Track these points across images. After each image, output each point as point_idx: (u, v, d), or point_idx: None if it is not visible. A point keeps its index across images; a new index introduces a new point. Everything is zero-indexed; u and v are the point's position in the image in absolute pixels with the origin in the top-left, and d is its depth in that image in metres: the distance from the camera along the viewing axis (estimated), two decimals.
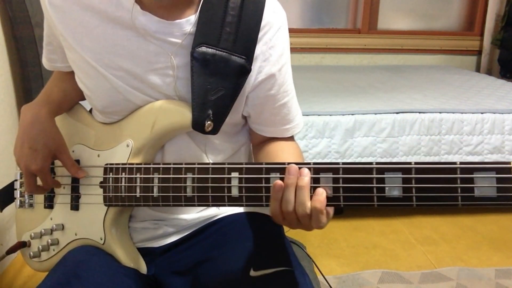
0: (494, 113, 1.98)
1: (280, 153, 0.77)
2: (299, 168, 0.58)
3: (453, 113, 1.97)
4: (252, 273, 0.68)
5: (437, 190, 0.52)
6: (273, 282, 0.67)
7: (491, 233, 1.92)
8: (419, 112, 1.95)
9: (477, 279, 1.58)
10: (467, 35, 3.36)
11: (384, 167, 0.54)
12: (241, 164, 0.62)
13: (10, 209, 0.91)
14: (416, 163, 0.53)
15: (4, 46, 1.65)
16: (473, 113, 1.97)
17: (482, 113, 1.98)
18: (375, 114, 1.92)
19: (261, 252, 0.73)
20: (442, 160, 1.99)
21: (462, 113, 1.97)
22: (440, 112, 1.96)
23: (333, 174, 0.57)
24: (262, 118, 0.78)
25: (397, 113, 1.93)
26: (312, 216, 0.57)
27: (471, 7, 3.37)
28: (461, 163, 0.51)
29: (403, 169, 0.54)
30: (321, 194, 0.57)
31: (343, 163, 0.57)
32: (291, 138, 0.82)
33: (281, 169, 0.60)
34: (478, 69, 3.36)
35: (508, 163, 0.50)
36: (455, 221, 2.00)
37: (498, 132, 1.98)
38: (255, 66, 0.71)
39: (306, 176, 0.57)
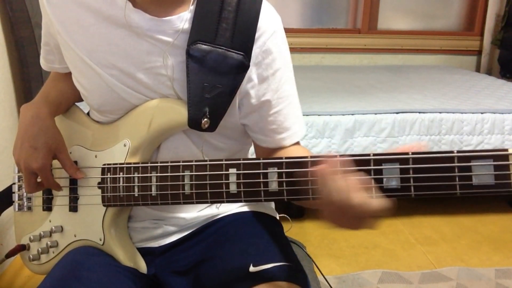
0: (494, 113, 1.98)
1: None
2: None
3: (453, 113, 1.96)
4: (252, 268, 0.68)
5: (435, 179, 0.52)
6: (272, 276, 0.67)
7: (491, 233, 1.92)
8: (419, 112, 1.94)
9: (477, 279, 1.58)
10: (467, 35, 3.36)
11: (381, 158, 0.54)
12: (239, 160, 0.62)
13: (11, 209, 0.91)
14: (413, 153, 0.53)
15: (4, 46, 1.65)
16: (473, 113, 1.97)
17: (482, 113, 1.98)
18: (375, 114, 1.92)
19: (260, 249, 0.73)
20: None
21: (462, 113, 1.97)
22: (440, 112, 1.96)
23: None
24: (259, 126, 0.75)
25: (397, 113, 1.93)
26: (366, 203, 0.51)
27: (471, 7, 3.36)
28: (458, 151, 0.51)
29: (401, 159, 0.53)
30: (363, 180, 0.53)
31: (341, 155, 0.56)
32: (296, 144, 0.78)
33: (279, 164, 0.59)
34: (478, 69, 3.35)
35: (505, 150, 0.49)
36: (455, 221, 2.00)
37: (498, 132, 1.98)
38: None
39: (349, 164, 0.53)
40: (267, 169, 0.60)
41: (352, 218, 0.53)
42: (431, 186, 0.52)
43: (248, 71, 0.70)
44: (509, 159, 0.49)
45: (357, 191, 0.51)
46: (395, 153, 0.54)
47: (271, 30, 0.70)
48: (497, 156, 0.50)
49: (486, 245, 1.83)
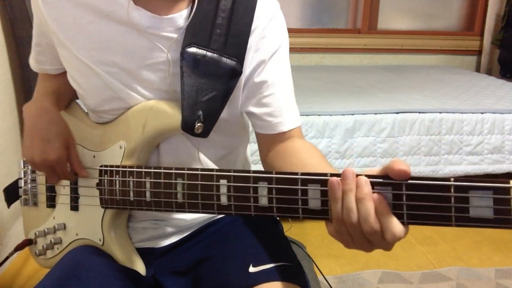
0: (494, 113, 1.98)
1: (301, 154, 0.72)
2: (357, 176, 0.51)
3: (453, 113, 1.97)
4: (251, 269, 0.68)
5: (429, 209, 0.49)
6: (271, 277, 0.67)
7: (491, 233, 1.92)
8: (419, 112, 1.95)
9: (477, 279, 1.58)
10: (467, 35, 3.36)
11: (374, 181, 0.51)
12: (229, 171, 0.61)
13: (10, 210, 0.91)
14: (407, 179, 0.50)
15: (4, 46, 1.65)
16: (473, 113, 1.97)
17: (482, 113, 1.98)
18: (375, 114, 1.92)
19: (260, 249, 0.73)
20: (442, 160, 1.99)
21: (462, 113, 1.97)
22: (440, 112, 1.96)
23: (321, 186, 0.55)
24: (256, 110, 0.75)
25: (397, 113, 1.93)
26: (384, 230, 0.49)
27: (471, 7, 3.37)
28: (455, 179, 0.48)
29: (394, 184, 0.50)
30: (383, 201, 0.50)
31: (332, 175, 0.54)
32: (298, 136, 0.77)
33: (269, 179, 0.58)
34: (478, 69, 3.36)
35: (507, 182, 0.46)
36: None
37: (498, 132, 1.98)
38: (247, 58, 0.70)
39: (366, 185, 0.50)
40: (257, 184, 0.59)
41: (363, 242, 0.51)
42: (424, 215, 0.50)
43: (250, 56, 0.70)
44: (510, 193, 0.46)
45: (370, 216, 0.49)
46: (388, 177, 0.51)
47: (268, 18, 0.71)
48: (498, 189, 0.46)
49: (486, 245, 1.83)
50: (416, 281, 1.57)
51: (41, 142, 0.71)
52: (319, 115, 1.89)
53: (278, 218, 0.89)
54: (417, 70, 3.01)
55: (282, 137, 0.76)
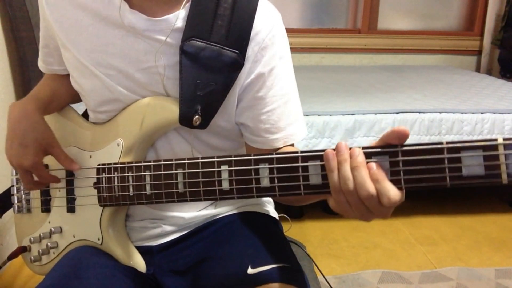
0: (494, 113, 1.98)
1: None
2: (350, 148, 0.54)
3: (453, 113, 1.96)
4: (250, 270, 0.68)
5: (425, 172, 0.52)
6: (270, 278, 0.67)
7: (491, 233, 1.92)
8: (419, 112, 1.94)
9: (477, 279, 1.58)
10: (467, 35, 3.36)
11: (371, 151, 0.53)
12: (230, 156, 0.62)
13: (10, 210, 0.91)
14: (402, 146, 0.53)
15: (4, 46, 1.65)
16: (473, 113, 1.97)
17: (482, 113, 1.98)
18: (375, 114, 1.92)
19: (259, 250, 0.73)
20: None
21: (462, 113, 1.97)
22: (440, 112, 1.96)
23: (320, 162, 0.56)
24: (252, 126, 0.73)
25: (397, 113, 1.93)
26: (380, 195, 0.51)
27: (471, 7, 3.37)
28: (447, 142, 0.51)
29: (390, 152, 0.53)
30: (377, 168, 0.52)
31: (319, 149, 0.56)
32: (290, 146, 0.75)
33: (270, 160, 0.59)
34: (478, 69, 3.35)
35: (495, 140, 0.49)
36: (455, 221, 2.00)
37: (498, 132, 1.98)
38: (246, 67, 0.69)
39: (359, 155, 0.52)
40: (258, 165, 0.60)
41: (362, 209, 0.53)
42: (421, 179, 0.52)
43: (248, 67, 0.69)
44: (498, 149, 0.49)
45: (366, 182, 0.51)
46: (384, 146, 0.53)
47: (269, 27, 0.70)
48: (487, 146, 0.49)
49: (486, 245, 1.83)
50: (416, 281, 1.57)
51: (18, 147, 0.72)
52: (319, 115, 1.89)
53: (278, 219, 0.89)
54: (417, 70, 3.01)
55: (274, 150, 0.74)
